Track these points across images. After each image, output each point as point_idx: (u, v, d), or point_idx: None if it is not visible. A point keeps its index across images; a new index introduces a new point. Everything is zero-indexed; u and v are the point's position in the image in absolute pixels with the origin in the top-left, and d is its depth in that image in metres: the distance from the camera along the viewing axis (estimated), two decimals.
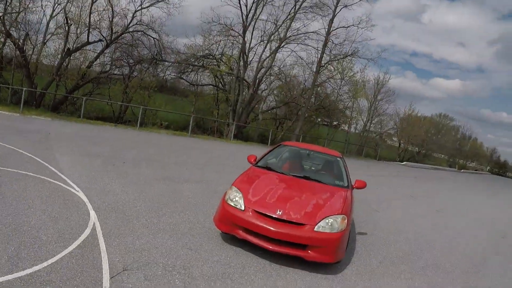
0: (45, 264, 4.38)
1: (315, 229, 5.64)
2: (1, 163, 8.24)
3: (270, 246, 5.55)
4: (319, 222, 5.72)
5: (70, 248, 4.83)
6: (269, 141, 30.35)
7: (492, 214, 17.09)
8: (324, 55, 31.36)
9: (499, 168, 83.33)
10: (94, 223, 5.79)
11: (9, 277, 4.01)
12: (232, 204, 6.00)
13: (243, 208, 5.88)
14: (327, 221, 5.77)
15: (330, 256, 5.71)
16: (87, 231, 5.45)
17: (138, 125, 23.00)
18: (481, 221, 14.24)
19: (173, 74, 34.02)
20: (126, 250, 5.08)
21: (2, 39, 25.30)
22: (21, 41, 25.12)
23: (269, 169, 7.62)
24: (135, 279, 4.39)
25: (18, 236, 4.97)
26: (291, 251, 5.59)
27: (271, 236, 5.54)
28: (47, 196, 6.68)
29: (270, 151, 8.71)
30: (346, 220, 5.98)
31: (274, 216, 5.69)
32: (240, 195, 6.09)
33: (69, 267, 4.39)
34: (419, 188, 20.90)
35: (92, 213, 6.20)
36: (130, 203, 7.13)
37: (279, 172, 7.49)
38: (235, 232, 5.89)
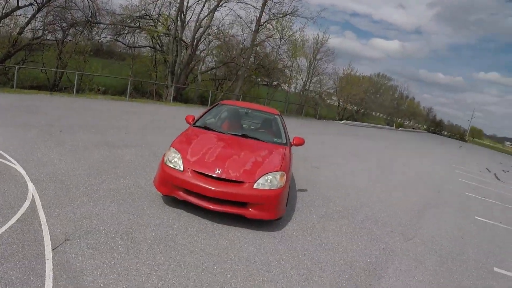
0: None
1: (255, 186, 5.80)
2: None
3: (211, 206, 5.69)
4: (258, 179, 5.87)
5: (10, 223, 4.82)
6: (209, 102, 30.31)
7: (428, 170, 18.06)
8: (264, 14, 31.30)
9: (435, 127, 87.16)
10: (33, 195, 5.76)
11: None
12: (171, 165, 6.05)
13: (182, 169, 5.95)
14: (266, 178, 5.94)
15: (270, 213, 5.92)
16: (25, 204, 5.43)
17: (74, 91, 22.26)
18: (418, 176, 15.05)
19: (109, 36, 33.31)
20: (67, 220, 5.14)
21: None
22: None
23: (207, 128, 7.70)
24: (78, 248, 4.49)
25: None
26: (231, 210, 5.75)
27: (211, 195, 5.65)
28: None
29: (208, 110, 8.76)
30: (285, 177, 6.17)
31: (213, 175, 5.79)
32: (179, 155, 6.14)
33: (10, 242, 4.40)
34: (359, 145, 21.68)
35: (30, 185, 6.15)
36: (69, 172, 7.10)
37: (217, 131, 7.59)
38: (176, 194, 5.98)
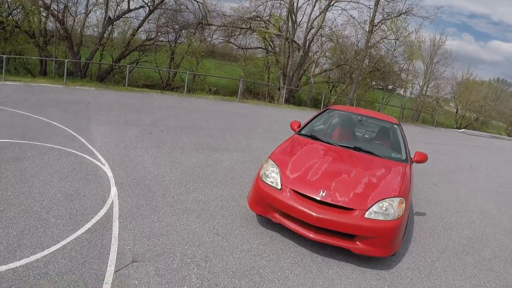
0: (45, 252, 3.83)
1: (366, 215, 4.65)
2: (30, 137, 7.73)
3: (310, 235, 4.65)
4: (371, 206, 4.72)
5: (78, 233, 4.24)
6: (322, 105, 29.19)
7: None
8: (377, 13, 29.46)
9: None
10: (112, 201, 5.18)
11: (2, 268, 3.48)
12: (267, 181, 5.09)
13: (279, 186, 4.95)
14: (380, 205, 4.78)
15: (383, 249, 4.76)
16: (102, 211, 4.83)
17: (185, 91, 22.32)
18: None
19: (221, 38, 33.25)
20: (141, 236, 4.41)
21: (44, 14, 25.32)
22: (60, 13, 25.01)
23: (314, 138, 6.56)
24: (144, 273, 3.73)
25: (25, 218, 4.43)
26: (335, 242, 4.66)
27: (312, 222, 4.59)
28: (69, 171, 6.12)
29: (315, 116, 7.60)
30: (404, 204, 4.95)
31: (316, 198, 4.73)
32: (277, 170, 5.16)
33: (71, 256, 3.79)
34: (481, 158, 19.51)
35: (114, 189, 5.57)
36: (159, 176, 6.46)
37: (325, 142, 6.43)
38: (270, 215, 5.02)
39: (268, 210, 5.04)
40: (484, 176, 13.59)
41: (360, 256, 4.90)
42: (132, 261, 3.88)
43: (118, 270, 3.69)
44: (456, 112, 51.65)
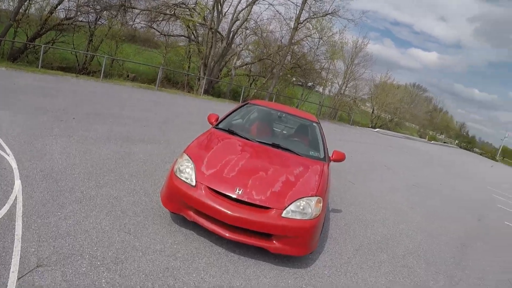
0: None
1: (283, 214, 4.60)
2: None
3: (226, 234, 4.54)
4: (288, 205, 4.67)
5: None
6: (241, 98, 29.42)
7: (468, 189, 16.76)
8: (303, 11, 30.12)
9: (467, 143, 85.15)
10: (16, 197, 4.79)
11: None
12: (181, 177, 4.89)
13: (194, 183, 4.76)
14: (298, 204, 4.74)
15: (300, 248, 4.77)
16: (4, 209, 4.44)
17: (102, 76, 21.44)
18: (457, 197, 13.80)
19: (143, 22, 32.27)
20: (47, 236, 4.12)
21: None
22: None
23: (231, 132, 6.42)
24: (50, 279, 3.47)
25: None
26: (252, 241, 4.59)
27: (228, 221, 4.48)
28: None
29: (234, 110, 7.47)
30: (321, 204, 4.93)
31: (232, 196, 4.62)
32: (192, 165, 4.98)
33: None
34: (395, 158, 20.45)
35: (17, 183, 5.18)
36: (68, 168, 6.11)
37: (243, 138, 6.29)
38: (185, 213, 4.84)
39: (182, 208, 4.87)
40: (398, 176, 14.28)
41: (277, 255, 4.88)
42: (37, 266, 3.60)
43: (22, 276, 3.42)
44: (372, 112, 54.06)
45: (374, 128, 45.53)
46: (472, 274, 6.57)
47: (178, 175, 4.95)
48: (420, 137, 63.15)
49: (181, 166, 5.05)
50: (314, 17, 31.51)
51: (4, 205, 4.55)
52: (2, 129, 7.42)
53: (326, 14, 31.15)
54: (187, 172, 4.95)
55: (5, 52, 25.08)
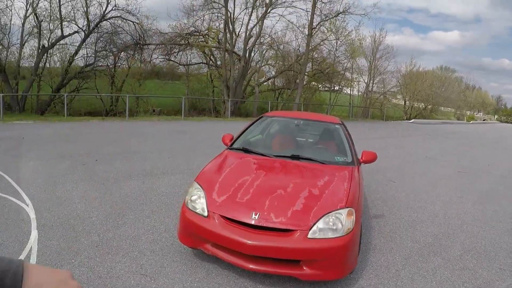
0: None
1: (310, 235, 3.97)
2: None
3: (250, 265, 3.97)
4: (314, 224, 4.05)
5: None
6: None
7: None
8: (315, 16, 30.09)
9: (507, 116, 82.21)
10: (31, 248, 4.72)
11: None
12: (193, 208, 4.46)
13: (206, 213, 4.29)
14: (326, 220, 4.11)
15: (336, 271, 4.10)
16: None
17: (127, 115, 21.93)
18: (509, 175, 12.96)
19: (161, 57, 32.83)
20: None
21: None
22: None
23: (246, 151, 5.99)
24: None
25: None
26: (278, 270, 3.97)
27: (247, 252, 3.92)
28: None
29: (248, 126, 6.99)
30: (354, 215, 4.28)
31: (249, 222, 4.07)
32: (202, 194, 4.51)
33: None
34: (435, 147, 19.72)
35: (34, 233, 5.13)
36: (85, 213, 6.02)
37: (258, 154, 5.85)
38: (202, 247, 4.35)
39: (198, 242, 4.40)
40: (441, 164, 13.65)
41: (312, 281, 4.30)
42: None
43: None
44: (404, 104, 53.32)
45: (410, 119, 44.75)
46: None
47: (189, 207, 4.54)
48: (458, 119, 61.72)
49: (192, 196, 4.64)
50: (327, 19, 31.58)
51: (19, 256, 4.45)
52: (23, 179, 7.52)
53: (338, 14, 31.11)
54: (198, 202, 4.51)
55: (32, 106, 25.90)
